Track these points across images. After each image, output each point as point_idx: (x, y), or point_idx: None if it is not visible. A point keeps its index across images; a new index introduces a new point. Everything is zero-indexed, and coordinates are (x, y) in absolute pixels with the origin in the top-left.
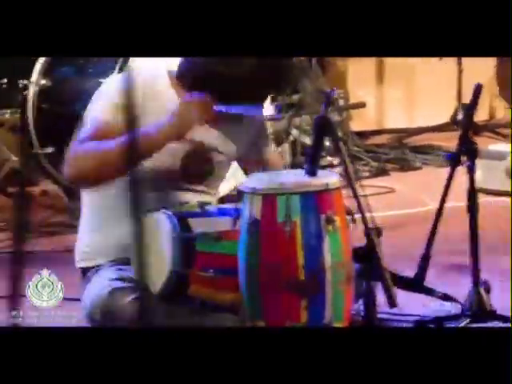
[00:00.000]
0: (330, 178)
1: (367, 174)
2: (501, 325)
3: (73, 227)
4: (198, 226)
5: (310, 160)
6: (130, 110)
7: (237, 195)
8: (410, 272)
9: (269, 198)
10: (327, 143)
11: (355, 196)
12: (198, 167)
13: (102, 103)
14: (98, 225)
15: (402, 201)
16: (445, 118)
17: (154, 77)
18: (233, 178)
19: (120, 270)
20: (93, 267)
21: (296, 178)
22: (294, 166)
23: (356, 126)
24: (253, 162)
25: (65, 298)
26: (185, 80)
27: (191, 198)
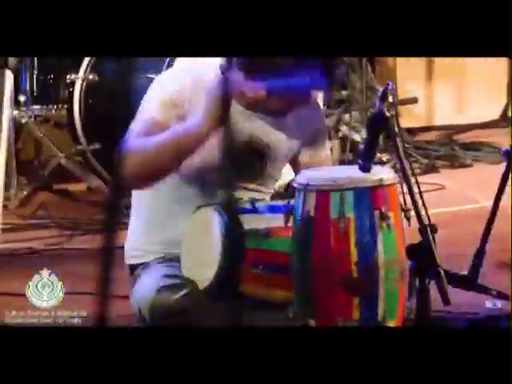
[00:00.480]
0: (384, 173)
1: (417, 170)
2: None
3: (119, 224)
4: (249, 222)
5: (365, 156)
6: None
7: (287, 191)
8: (461, 270)
9: (322, 194)
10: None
11: (410, 193)
12: (249, 164)
13: (154, 100)
14: (147, 222)
15: (452, 198)
16: (494, 115)
17: (203, 70)
18: (289, 175)
19: (169, 266)
20: (141, 264)
21: (350, 173)
22: (342, 162)
23: (404, 122)
24: (305, 164)
25: (117, 296)
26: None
27: (243, 196)
